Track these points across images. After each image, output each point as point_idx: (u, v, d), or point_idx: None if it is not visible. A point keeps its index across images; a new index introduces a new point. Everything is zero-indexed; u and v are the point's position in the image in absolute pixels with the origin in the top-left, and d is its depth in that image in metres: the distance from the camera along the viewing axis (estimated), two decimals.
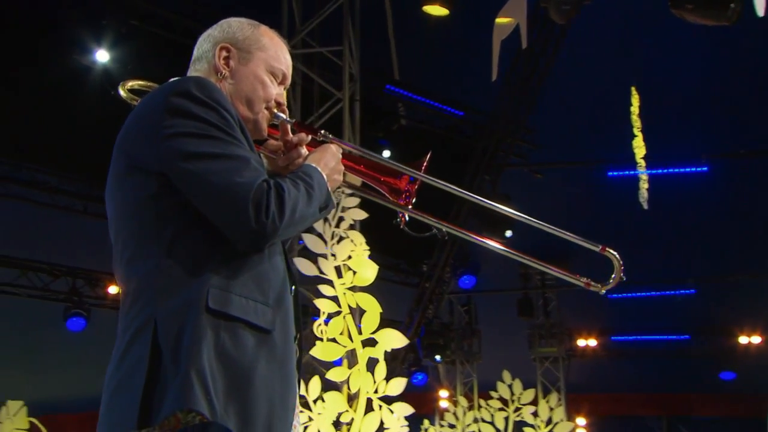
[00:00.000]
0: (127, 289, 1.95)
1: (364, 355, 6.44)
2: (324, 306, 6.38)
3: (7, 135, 10.09)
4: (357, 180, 2.34)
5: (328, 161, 2.17)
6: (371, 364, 6.48)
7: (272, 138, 2.31)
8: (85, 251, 11.87)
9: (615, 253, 2.32)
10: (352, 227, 6.72)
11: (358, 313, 6.60)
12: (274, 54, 2.26)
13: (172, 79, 2.09)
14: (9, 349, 13.00)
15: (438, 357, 13.92)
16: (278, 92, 2.27)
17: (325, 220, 6.57)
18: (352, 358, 6.53)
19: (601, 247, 2.32)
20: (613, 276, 2.31)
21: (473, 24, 8.56)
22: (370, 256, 6.61)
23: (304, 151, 2.23)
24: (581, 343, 15.68)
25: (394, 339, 6.55)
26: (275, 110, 2.26)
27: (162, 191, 1.94)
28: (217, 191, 1.89)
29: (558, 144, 12.12)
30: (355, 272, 6.54)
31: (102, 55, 9.06)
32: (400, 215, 2.33)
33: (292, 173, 2.11)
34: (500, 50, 7.94)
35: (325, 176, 2.13)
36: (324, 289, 6.42)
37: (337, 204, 6.65)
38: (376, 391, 6.42)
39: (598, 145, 11.80)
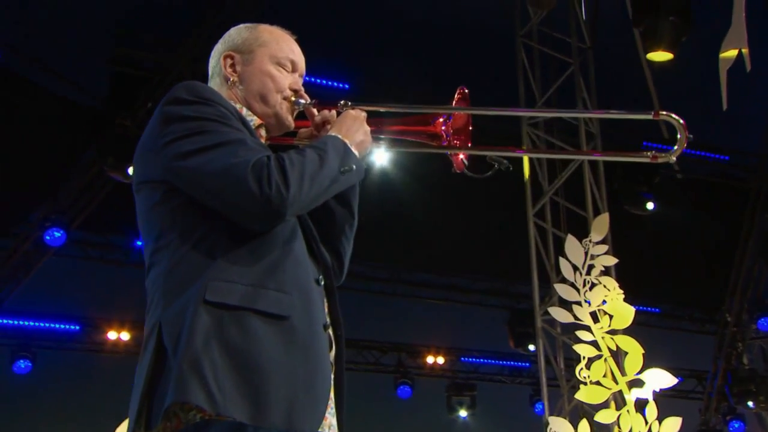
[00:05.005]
0: (147, 298, 1.87)
1: (631, 396, 6.02)
2: (583, 351, 6.10)
3: None
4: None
5: (349, 126, 1.99)
6: (641, 405, 6.03)
7: (300, 127, 2.18)
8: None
9: (673, 114, 1.95)
10: (603, 273, 6.40)
11: (622, 356, 6.21)
12: (276, 46, 2.12)
13: None
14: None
15: (750, 403, 12.41)
16: (292, 80, 2.12)
17: (575, 269, 6.34)
18: (619, 399, 6.14)
19: (653, 112, 1.96)
20: (678, 139, 1.96)
21: (707, 65, 7.90)
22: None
23: None
24: None
25: (661, 378, 6.07)
26: (293, 98, 2.10)
27: (165, 197, 1.84)
28: (217, 177, 1.76)
29: None
30: (611, 316, 6.21)
31: None
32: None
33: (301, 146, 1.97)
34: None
35: (347, 141, 1.93)
36: (582, 334, 6.15)
37: (586, 252, 6.40)
38: None
39: None
